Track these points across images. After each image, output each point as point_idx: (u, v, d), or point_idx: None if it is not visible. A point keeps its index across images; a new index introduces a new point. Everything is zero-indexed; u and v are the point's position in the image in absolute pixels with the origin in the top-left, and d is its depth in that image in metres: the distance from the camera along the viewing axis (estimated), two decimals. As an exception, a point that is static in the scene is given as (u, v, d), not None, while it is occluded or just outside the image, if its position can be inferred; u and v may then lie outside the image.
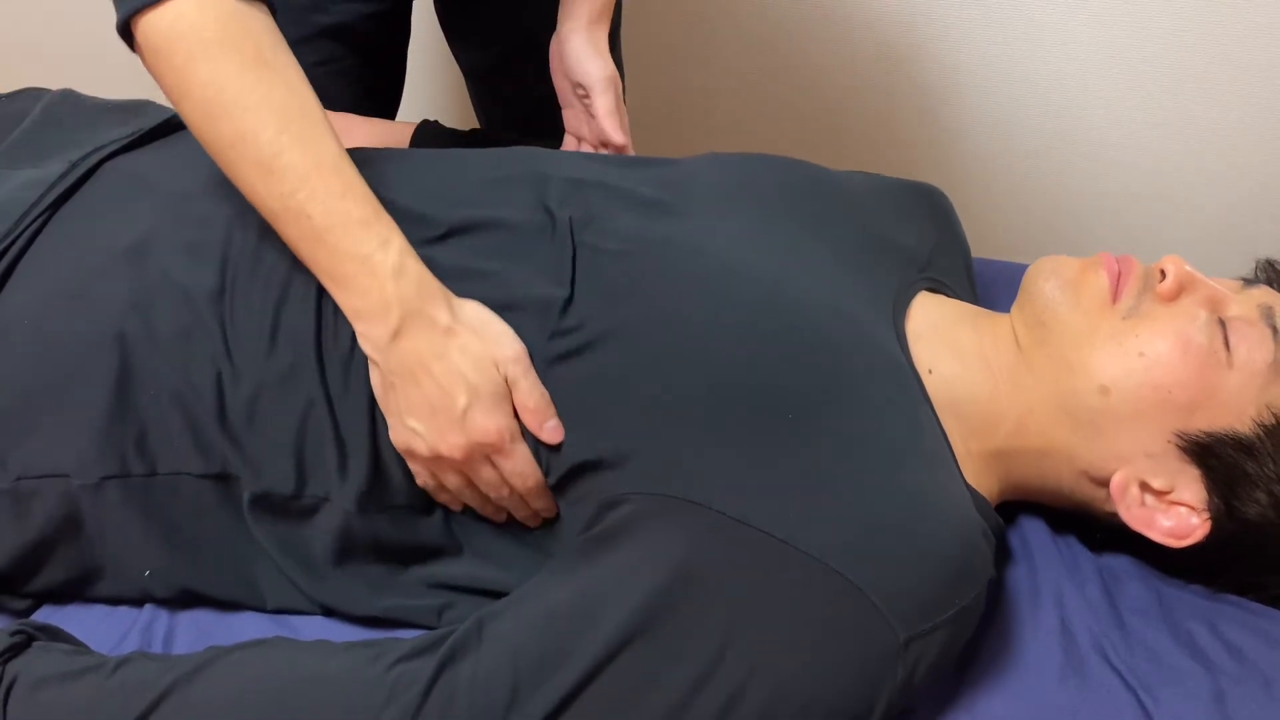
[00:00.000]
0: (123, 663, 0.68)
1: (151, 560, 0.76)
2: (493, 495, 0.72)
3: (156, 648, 0.75)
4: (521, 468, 0.71)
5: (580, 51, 0.96)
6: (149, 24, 0.69)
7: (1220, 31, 1.34)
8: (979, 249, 1.02)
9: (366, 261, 0.68)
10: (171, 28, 0.68)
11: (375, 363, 0.71)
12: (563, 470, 0.71)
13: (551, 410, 0.71)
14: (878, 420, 0.71)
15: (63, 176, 0.81)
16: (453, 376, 0.69)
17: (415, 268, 0.70)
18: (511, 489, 0.72)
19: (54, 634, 0.73)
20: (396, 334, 0.69)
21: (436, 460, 0.71)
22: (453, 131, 1.06)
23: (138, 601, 0.78)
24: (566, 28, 0.97)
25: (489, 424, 0.69)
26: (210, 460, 0.74)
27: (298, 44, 1.06)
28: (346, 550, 0.75)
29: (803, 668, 0.63)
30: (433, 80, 1.56)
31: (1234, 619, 0.77)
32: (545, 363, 0.72)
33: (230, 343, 0.73)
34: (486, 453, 0.70)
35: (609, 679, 0.62)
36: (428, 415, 0.69)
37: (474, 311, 0.71)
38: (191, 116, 0.70)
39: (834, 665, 0.63)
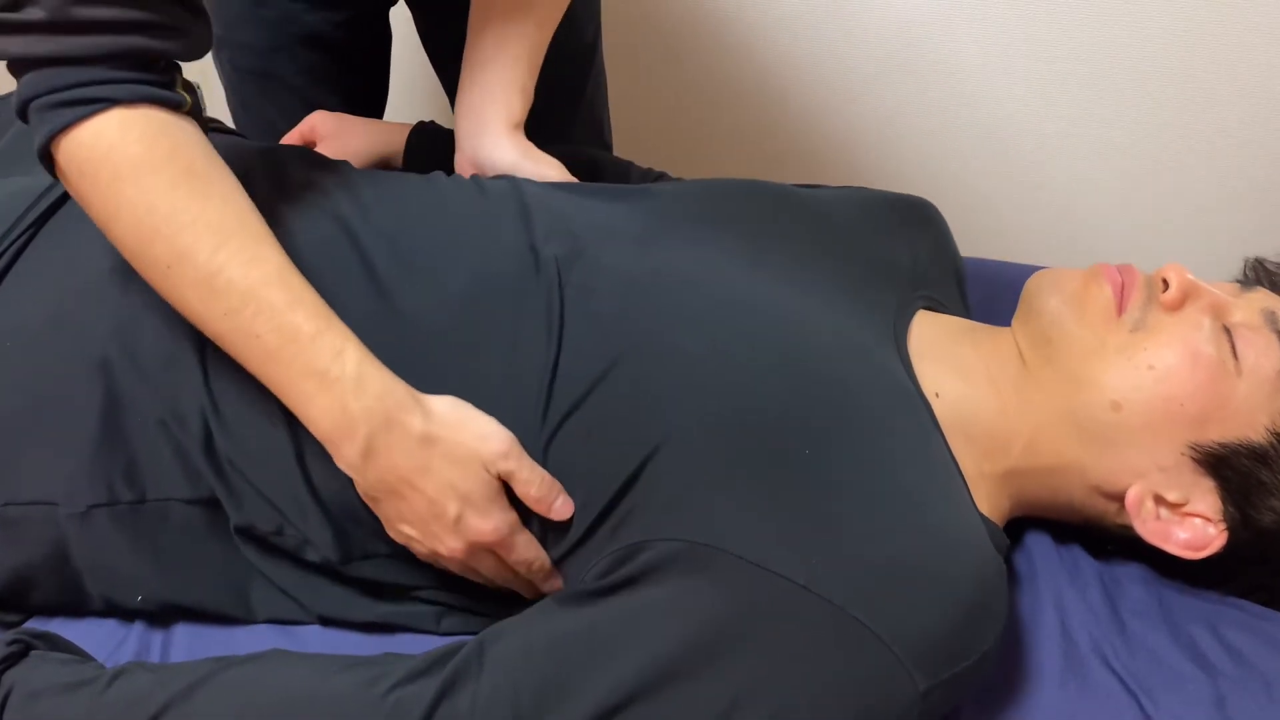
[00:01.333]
0: (119, 675, 0.67)
1: (143, 586, 0.75)
2: (498, 581, 0.71)
3: (153, 656, 0.75)
4: (526, 555, 0.69)
5: (522, 167, 0.88)
6: (69, 144, 0.65)
7: (1221, 31, 1.34)
8: (980, 250, 1.02)
9: (323, 378, 0.65)
10: (93, 147, 0.65)
11: (355, 481, 0.68)
12: (579, 534, 0.69)
13: (556, 489, 0.68)
14: (892, 454, 0.69)
15: (51, 188, 0.80)
16: (440, 488, 0.66)
17: (376, 375, 0.66)
18: (517, 575, 0.71)
19: (52, 641, 0.72)
20: (368, 453, 0.66)
21: (436, 557, 0.70)
22: (450, 133, 1.05)
23: (131, 616, 0.78)
24: (487, 143, 0.89)
25: (485, 526, 0.67)
26: (199, 486, 0.72)
27: (275, 53, 1.07)
28: (336, 577, 0.75)
29: (819, 718, 0.61)
30: (417, 86, 1.55)
31: (1235, 622, 0.77)
32: (545, 435, 0.70)
33: (210, 379, 0.72)
34: (488, 549, 0.69)
35: None
36: (420, 524, 0.68)
37: (450, 410, 0.68)
38: (123, 240, 0.66)
39: (851, 716, 0.61)
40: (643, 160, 0.95)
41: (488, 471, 0.67)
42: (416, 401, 0.67)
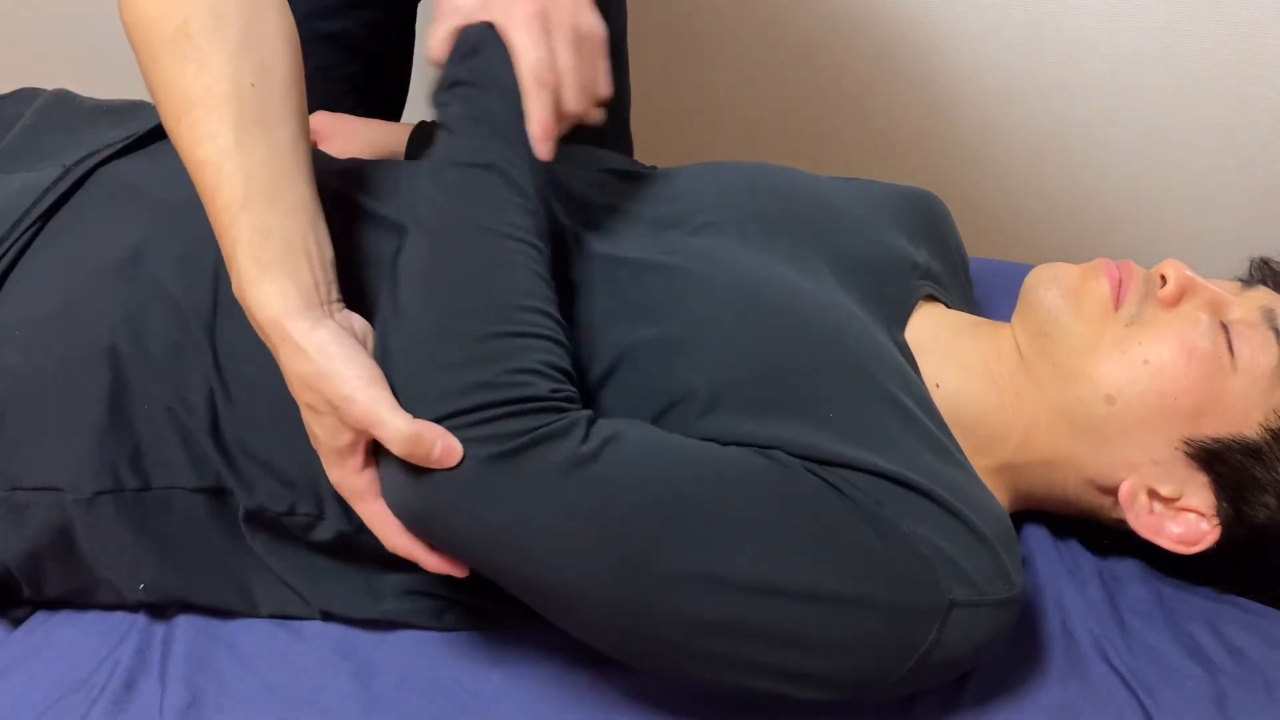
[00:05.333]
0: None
1: (145, 574, 0.75)
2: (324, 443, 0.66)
3: (155, 651, 0.75)
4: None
5: None
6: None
7: (1222, 31, 1.34)
8: (981, 250, 1.02)
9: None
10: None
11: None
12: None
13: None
14: (908, 413, 0.70)
15: (56, 182, 0.80)
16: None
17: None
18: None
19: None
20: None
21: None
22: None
23: (135, 608, 0.78)
24: None
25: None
26: (204, 474, 0.73)
27: None
28: (344, 558, 0.75)
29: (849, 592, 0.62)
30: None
31: (1235, 620, 0.78)
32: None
33: (221, 362, 0.73)
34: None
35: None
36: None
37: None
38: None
39: (879, 599, 0.62)
40: (646, 158, 0.96)
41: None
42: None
